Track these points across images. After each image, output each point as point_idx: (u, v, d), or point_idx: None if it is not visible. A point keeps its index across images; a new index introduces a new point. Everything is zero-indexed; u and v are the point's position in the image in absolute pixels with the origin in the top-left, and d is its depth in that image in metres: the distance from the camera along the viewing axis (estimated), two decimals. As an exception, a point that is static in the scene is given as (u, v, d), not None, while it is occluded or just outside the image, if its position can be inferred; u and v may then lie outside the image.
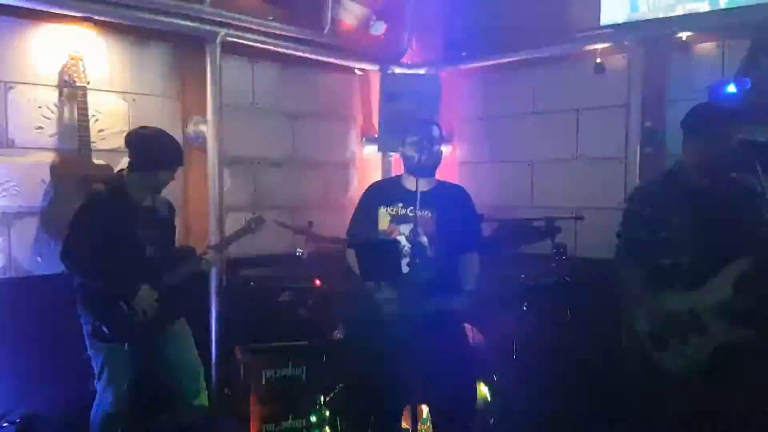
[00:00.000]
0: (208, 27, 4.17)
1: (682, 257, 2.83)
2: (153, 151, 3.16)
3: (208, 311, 4.29)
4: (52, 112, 3.71)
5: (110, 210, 3.07)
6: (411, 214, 3.09)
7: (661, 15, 4.23)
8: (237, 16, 4.29)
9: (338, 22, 5.01)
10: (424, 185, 2.94)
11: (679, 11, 4.14)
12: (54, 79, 3.70)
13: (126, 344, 3.09)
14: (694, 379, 2.77)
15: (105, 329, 3.03)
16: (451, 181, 3.44)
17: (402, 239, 3.03)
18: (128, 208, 3.15)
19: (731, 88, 3.74)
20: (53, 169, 3.64)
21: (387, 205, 3.15)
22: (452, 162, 5.46)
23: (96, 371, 3.12)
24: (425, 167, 3.01)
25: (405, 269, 2.83)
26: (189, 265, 3.33)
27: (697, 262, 2.79)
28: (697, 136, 2.85)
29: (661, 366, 2.81)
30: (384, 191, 3.25)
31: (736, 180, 2.80)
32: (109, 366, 3.09)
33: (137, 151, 3.17)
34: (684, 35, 4.13)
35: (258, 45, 4.50)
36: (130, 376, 3.17)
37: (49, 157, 3.67)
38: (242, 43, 4.42)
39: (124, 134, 3.26)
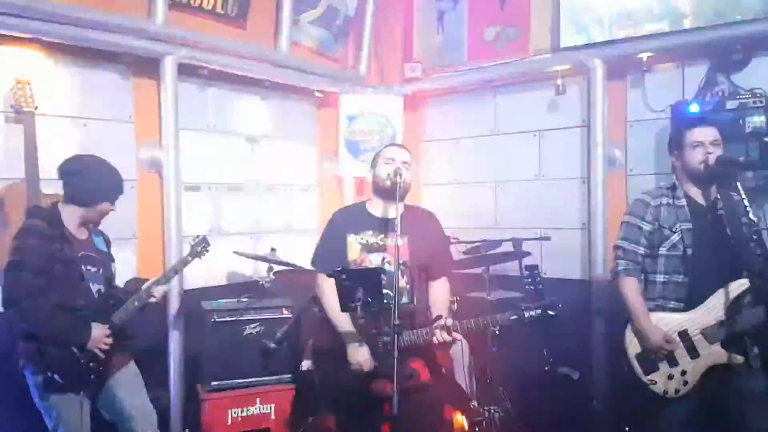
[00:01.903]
0: (162, 48, 4.00)
1: (677, 274, 2.84)
2: (89, 183, 2.96)
3: (166, 347, 4.07)
4: (-3, 139, 3.48)
5: (48, 248, 2.83)
6: (381, 242, 3.03)
7: (620, 36, 4.30)
8: (193, 36, 4.14)
9: (297, 43, 4.93)
10: (394, 211, 2.87)
11: (639, 32, 4.21)
12: (-1, 104, 3.48)
13: (81, 392, 2.85)
14: (683, 403, 2.76)
15: (58, 379, 2.78)
16: (418, 205, 3.39)
17: None
18: (67, 244, 2.91)
19: (694, 108, 3.81)
20: (-1, 199, 3.40)
21: (356, 233, 3.07)
22: (415, 184, 5.40)
23: (50, 426, 2.86)
24: (397, 192, 2.94)
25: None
26: (137, 300, 3.10)
27: (691, 281, 2.80)
28: (682, 152, 2.88)
29: (650, 390, 2.78)
30: (352, 218, 3.16)
31: (732, 198, 2.82)
32: (66, 419, 2.84)
33: (72, 184, 2.96)
34: (644, 56, 4.19)
35: (215, 66, 4.35)
36: (88, 428, 2.92)
37: (-5, 187, 3.43)
38: (199, 65, 4.26)
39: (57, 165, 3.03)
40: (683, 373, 2.77)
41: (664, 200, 2.92)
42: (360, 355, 2.83)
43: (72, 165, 3.00)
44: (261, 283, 4.14)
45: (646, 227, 2.92)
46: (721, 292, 2.73)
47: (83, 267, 2.97)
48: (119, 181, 3.07)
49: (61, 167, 2.99)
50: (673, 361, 2.78)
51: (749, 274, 2.66)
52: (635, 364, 2.85)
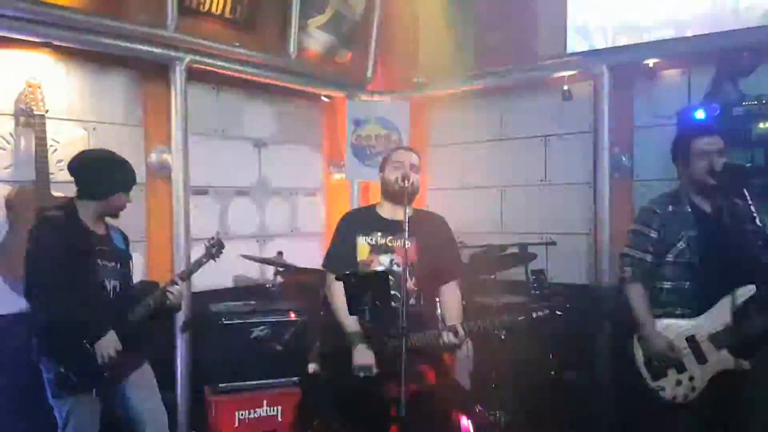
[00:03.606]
0: (172, 53, 4.04)
1: (684, 281, 2.85)
2: (101, 176, 2.97)
3: (174, 349, 4.09)
4: (8, 142, 3.51)
5: (66, 238, 2.83)
6: (390, 244, 3.04)
7: (626, 42, 4.31)
8: (202, 42, 4.17)
9: (304, 48, 4.96)
10: (402, 213, 2.87)
11: (645, 38, 4.23)
12: (10, 108, 3.50)
13: (94, 391, 2.86)
14: (691, 409, 2.76)
15: (73, 377, 2.79)
16: (427, 209, 3.40)
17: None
18: (84, 237, 2.92)
19: (700, 114, 3.82)
20: (9, 202, 3.43)
21: (365, 235, 3.08)
22: (421, 188, 5.41)
23: (60, 422, 2.87)
24: (406, 195, 2.95)
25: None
26: (152, 300, 3.10)
27: (698, 288, 2.81)
28: (688, 159, 2.89)
29: (659, 395, 2.79)
30: (361, 220, 3.18)
31: (738, 205, 2.83)
32: (76, 417, 2.85)
33: (83, 178, 2.96)
34: (650, 62, 4.20)
35: (223, 71, 4.39)
36: (97, 428, 2.94)
37: (5, 190, 3.46)
38: (207, 69, 4.30)
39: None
40: (691, 378, 2.77)
41: (670, 208, 2.94)
42: (365, 358, 2.83)
43: (82, 160, 3.01)
44: (268, 286, 4.16)
45: (653, 235, 2.94)
46: (728, 297, 2.74)
47: (100, 262, 2.96)
48: (131, 171, 3.08)
49: (71, 163, 2.99)
50: (681, 367, 2.79)
51: (756, 280, 2.66)
52: (643, 370, 2.86)
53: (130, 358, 3.02)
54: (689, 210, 2.90)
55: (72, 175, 2.99)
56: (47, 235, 2.82)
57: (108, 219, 3.13)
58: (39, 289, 2.78)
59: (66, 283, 2.78)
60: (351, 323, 2.93)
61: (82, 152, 3.10)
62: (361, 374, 2.81)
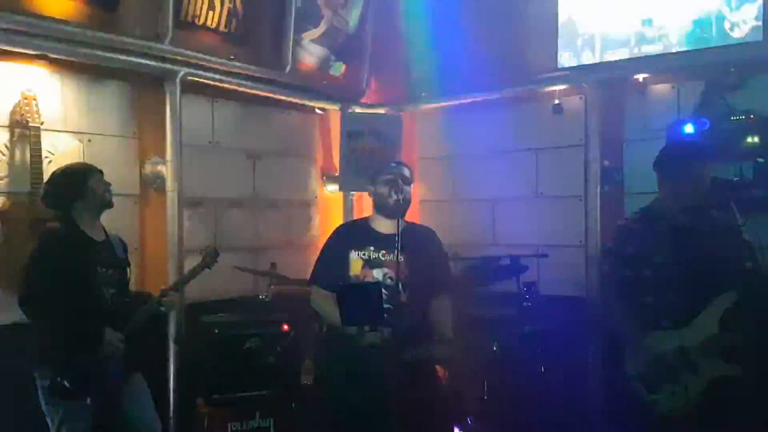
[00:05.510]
0: (168, 66, 4.07)
1: (666, 295, 2.87)
2: (64, 179, 3.05)
3: (166, 360, 4.09)
4: (3, 153, 3.52)
5: (69, 248, 2.90)
6: (383, 258, 3.05)
7: (617, 57, 4.38)
8: (197, 54, 4.21)
9: (299, 61, 5.00)
10: (395, 227, 2.89)
11: (635, 53, 4.29)
12: (5, 119, 3.51)
13: (88, 399, 2.88)
14: (687, 420, 2.77)
15: (66, 384, 2.81)
16: (418, 222, 3.42)
17: None
18: (84, 244, 2.98)
19: (689, 128, 3.87)
20: (4, 212, 3.44)
21: (358, 249, 3.09)
22: (413, 200, 5.44)
23: (53, 429, 2.89)
24: (399, 209, 2.97)
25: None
26: (147, 309, 3.13)
27: (681, 300, 2.84)
28: (673, 175, 2.92)
29: (655, 408, 2.80)
30: (353, 234, 3.19)
31: (715, 217, 2.87)
32: (68, 424, 2.87)
33: (56, 183, 3.05)
34: (640, 77, 4.26)
35: (218, 84, 4.42)
36: None
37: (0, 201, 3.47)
38: (202, 82, 4.33)
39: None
40: (686, 389, 2.78)
41: (646, 223, 2.97)
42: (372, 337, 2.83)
43: (47, 184, 3.12)
44: (261, 297, 4.17)
45: (630, 250, 2.96)
46: (712, 306, 2.77)
47: (99, 269, 3.01)
48: (86, 164, 3.18)
49: (45, 201, 3.10)
50: (674, 379, 2.79)
51: (739, 287, 2.70)
52: (637, 383, 2.86)
53: (129, 364, 3.05)
54: (669, 224, 2.92)
55: (51, 203, 3.08)
56: (53, 247, 2.90)
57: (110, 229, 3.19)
58: (31, 301, 2.81)
59: (66, 293, 2.82)
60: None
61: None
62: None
